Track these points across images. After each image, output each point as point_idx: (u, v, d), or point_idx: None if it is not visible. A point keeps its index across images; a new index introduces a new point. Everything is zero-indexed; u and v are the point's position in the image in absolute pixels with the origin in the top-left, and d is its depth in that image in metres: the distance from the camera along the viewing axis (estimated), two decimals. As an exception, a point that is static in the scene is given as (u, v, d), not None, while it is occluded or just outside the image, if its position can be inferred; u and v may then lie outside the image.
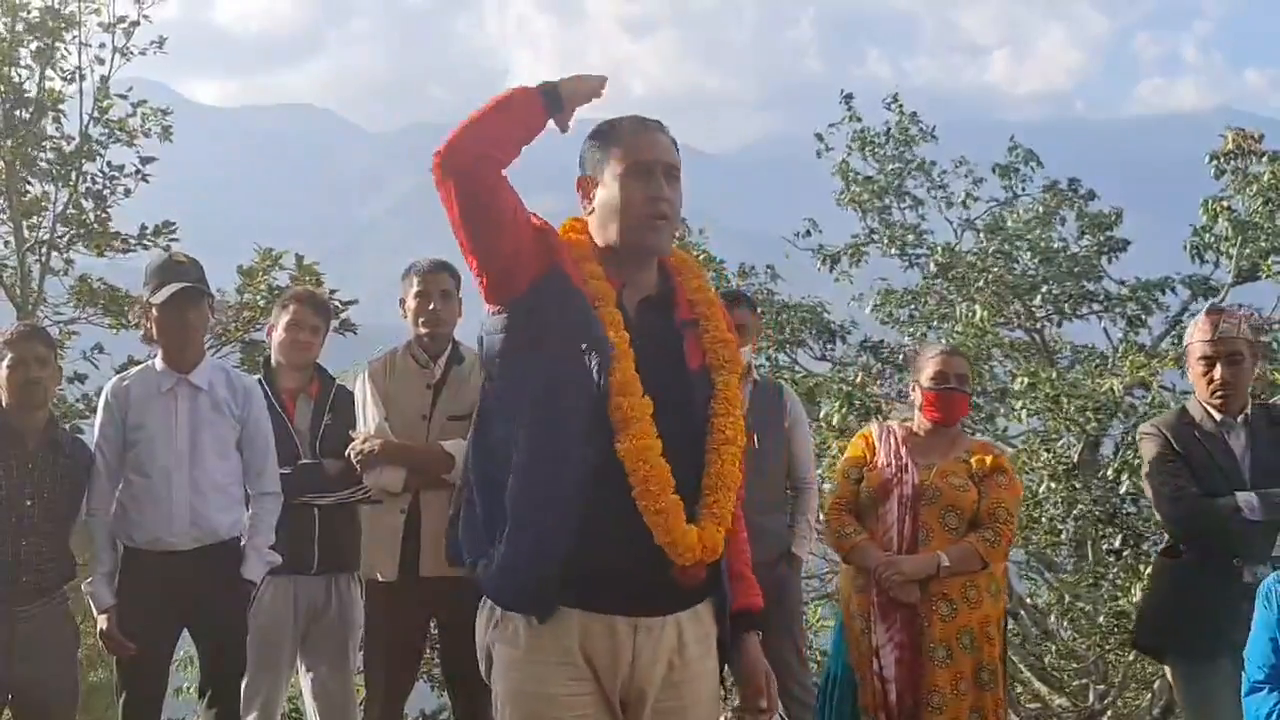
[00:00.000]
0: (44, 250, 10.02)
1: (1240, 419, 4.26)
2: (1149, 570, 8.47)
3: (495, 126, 2.58)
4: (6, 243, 10.09)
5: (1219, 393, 4.25)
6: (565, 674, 2.65)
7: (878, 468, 4.38)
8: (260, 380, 4.79)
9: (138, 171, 10.23)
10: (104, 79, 10.12)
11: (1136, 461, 8.55)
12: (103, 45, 10.09)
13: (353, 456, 4.48)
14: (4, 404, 4.26)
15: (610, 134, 2.77)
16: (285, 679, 4.83)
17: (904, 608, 4.23)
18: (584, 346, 2.61)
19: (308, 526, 4.63)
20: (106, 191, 10.13)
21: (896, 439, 4.44)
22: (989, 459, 4.37)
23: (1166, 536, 4.46)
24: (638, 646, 2.67)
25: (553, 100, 2.62)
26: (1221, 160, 9.93)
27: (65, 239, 10.07)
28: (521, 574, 2.65)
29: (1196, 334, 4.35)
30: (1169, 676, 4.46)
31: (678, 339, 2.77)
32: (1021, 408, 9.24)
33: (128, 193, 10.19)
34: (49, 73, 9.95)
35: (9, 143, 9.67)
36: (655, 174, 2.72)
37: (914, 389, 4.54)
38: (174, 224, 10.24)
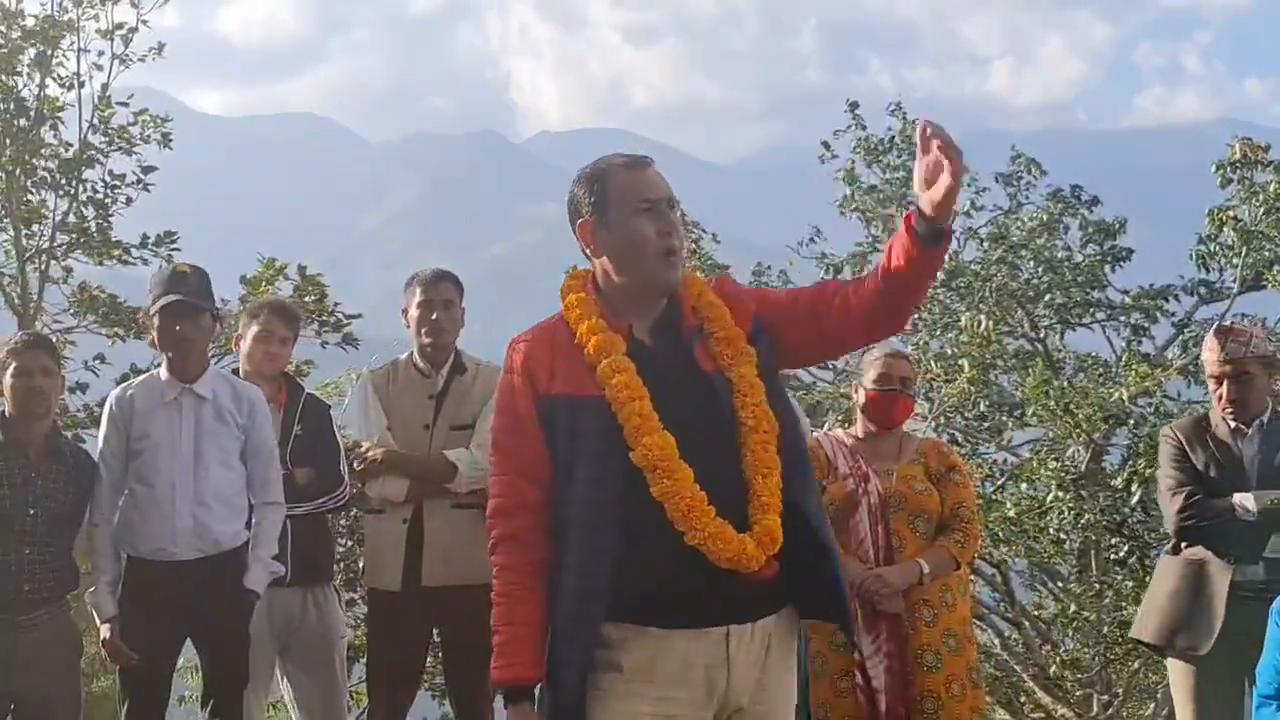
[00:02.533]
0: (43, 259, 10.00)
1: (1255, 426, 4.38)
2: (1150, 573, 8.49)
3: None
4: (7, 252, 10.07)
5: (1228, 408, 4.40)
6: (650, 692, 2.67)
7: (839, 479, 4.35)
8: None
9: (139, 180, 10.21)
10: (104, 86, 10.11)
11: (1148, 472, 8.58)
12: (101, 52, 10.08)
13: (355, 466, 4.47)
14: (7, 413, 4.25)
15: (606, 177, 2.81)
16: (263, 692, 4.80)
17: (889, 617, 4.21)
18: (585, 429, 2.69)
19: (279, 538, 4.60)
20: (108, 200, 10.11)
21: (847, 448, 4.43)
22: (942, 459, 4.40)
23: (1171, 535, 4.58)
24: (731, 654, 2.71)
25: None
26: (1228, 170, 9.94)
27: (64, 247, 10.04)
28: (562, 678, 2.69)
29: (1206, 353, 4.51)
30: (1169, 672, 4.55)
31: (689, 348, 2.81)
32: (1033, 414, 9.23)
33: (129, 201, 10.17)
34: (47, 80, 9.93)
35: (8, 151, 9.66)
36: (662, 210, 2.78)
37: (856, 391, 4.55)
38: (176, 233, 10.21)
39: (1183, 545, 4.42)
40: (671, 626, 2.68)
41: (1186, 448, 4.42)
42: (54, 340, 9.34)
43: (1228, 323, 5.11)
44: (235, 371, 4.91)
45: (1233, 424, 4.39)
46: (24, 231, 9.96)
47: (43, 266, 10.09)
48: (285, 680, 4.84)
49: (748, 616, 2.72)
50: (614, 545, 2.65)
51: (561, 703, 2.69)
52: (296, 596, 4.70)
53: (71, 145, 10.01)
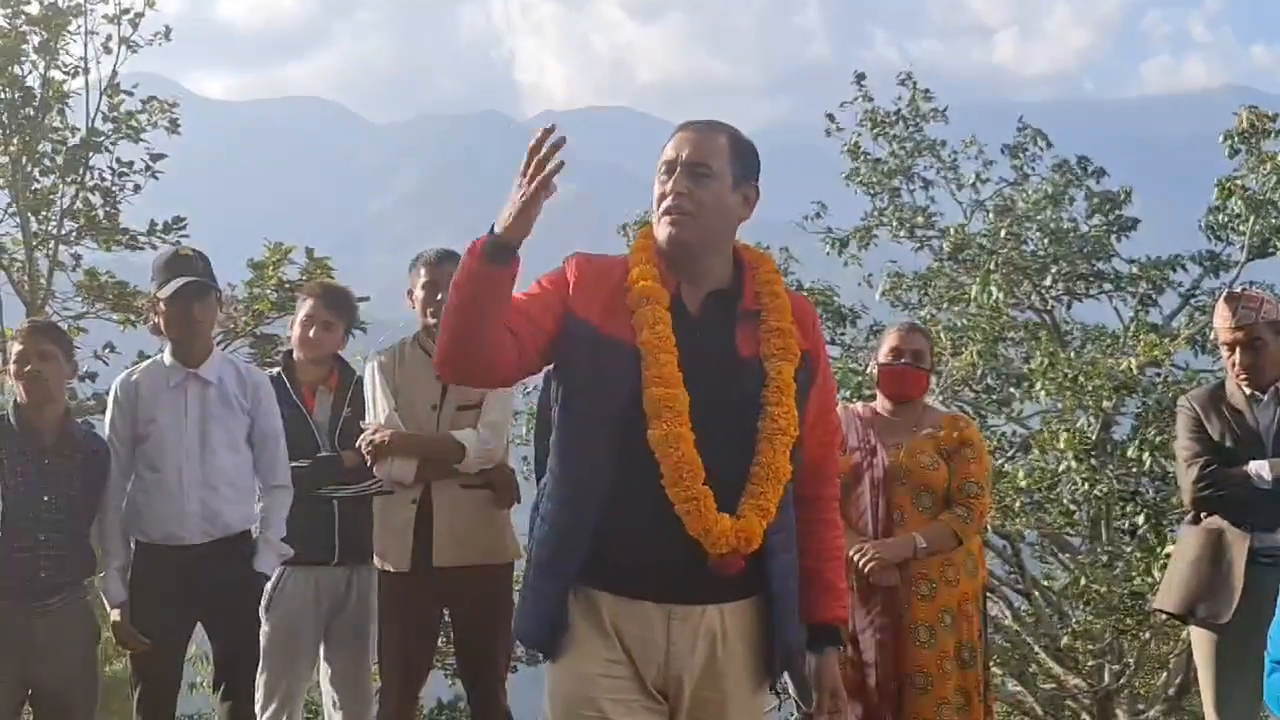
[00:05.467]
0: (52, 244, 10.00)
1: (1270, 393, 4.36)
2: (1166, 549, 8.50)
3: (468, 319, 2.59)
4: (14, 239, 10.08)
5: (1242, 375, 4.37)
6: (602, 654, 2.70)
7: (846, 451, 4.34)
8: (280, 372, 4.80)
9: (147, 168, 10.21)
10: (113, 73, 10.10)
11: (1159, 439, 8.57)
12: (109, 37, 10.07)
13: (363, 448, 4.47)
14: (18, 401, 4.26)
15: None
16: (307, 670, 4.80)
17: (884, 590, 4.21)
18: (610, 356, 2.68)
19: (327, 518, 4.62)
20: (115, 188, 10.11)
21: (862, 421, 4.43)
22: (956, 433, 4.37)
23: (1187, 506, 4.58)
24: (672, 634, 2.70)
25: (499, 254, 2.55)
26: (1236, 139, 9.91)
27: (73, 233, 10.05)
28: (534, 606, 2.77)
29: (1217, 320, 4.48)
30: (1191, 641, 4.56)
31: (733, 328, 2.78)
32: (1041, 388, 9.23)
33: (137, 189, 10.18)
34: (52, 66, 9.92)
35: (14, 140, 9.66)
36: (670, 172, 2.76)
37: (873, 365, 4.57)
38: (184, 219, 10.22)
39: (1202, 515, 4.41)
40: (621, 595, 2.69)
41: (1202, 417, 4.40)
42: (64, 327, 9.37)
43: (1238, 289, 5.08)
44: (289, 353, 4.92)
45: (1248, 391, 4.37)
46: (32, 218, 9.96)
47: (51, 252, 10.09)
48: (325, 661, 4.84)
49: (695, 599, 2.70)
50: (600, 493, 2.67)
51: (533, 636, 2.78)
52: (342, 576, 4.69)
53: (79, 130, 10.01)
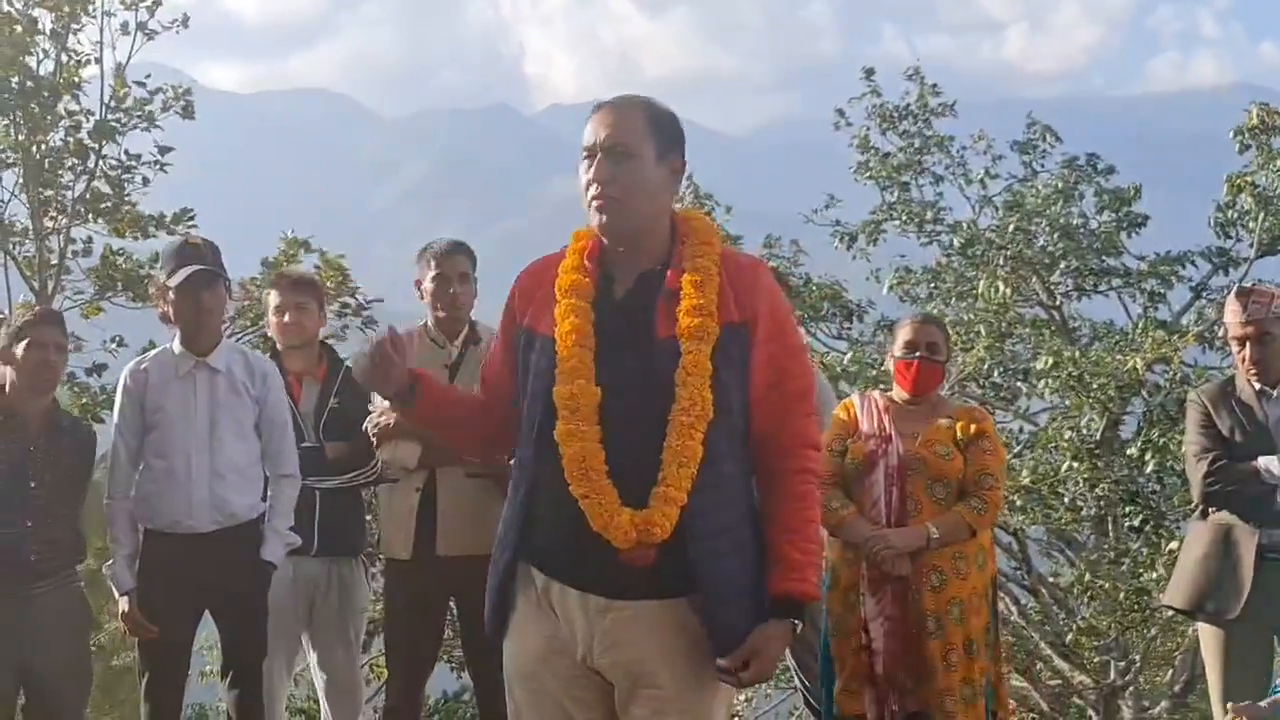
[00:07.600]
0: (65, 225, 10.00)
1: (1278, 390, 4.35)
2: (1169, 545, 8.50)
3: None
4: (24, 227, 10.10)
5: (1251, 370, 4.38)
6: (543, 630, 2.75)
7: (861, 439, 4.36)
8: None
9: (156, 161, 10.22)
10: (120, 65, 10.11)
11: (1161, 441, 8.56)
12: (125, 23, 10.10)
13: (369, 431, 4.47)
14: (8, 387, 4.27)
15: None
16: (286, 662, 4.81)
17: (894, 580, 4.21)
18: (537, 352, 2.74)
19: (308, 509, 4.61)
20: (125, 178, 10.13)
21: (879, 409, 4.43)
22: (973, 425, 4.36)
23: (1195, 503, 4.58)
24: (594, 625, 2.68)
25: (400, 402, 2.87)
26: (1246, 135, 9.90)
27: (85, 217, 10.07)
28: (490, 585, 2.86)
29: (1228, 315, 4.49)
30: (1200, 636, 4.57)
31: (654, 309, 2.70)
32: (1044, 386, 9.23)
33: (146, 181, 10.20)
34: (63, 53, 9.94)
35: (25, 129, 9.68)
36: (592, 157, 2.71)
37: (889, 358, 4.57)
38: (192, 211, 10.24)
39: (1210, 510, 4.41)
40: (552, 578, 2.72)
41: (1212, 412, 4.41)
42: (77, 312, 9.42)
43: (1248, 284, 5.09)
44: (274, 344, 4.93)
45: (1257, 386, 4.38)
46: (43, 211, 9.98)
47: (64, 230, 10.08)
48: (312, 649, 4.86)
49: (618, 593, 2.65)
50: (529, 486, 2.73)
51: (490, 609, 2.87)
52: (321, 567, 4.71)
53: (93, 115, 10.01)
